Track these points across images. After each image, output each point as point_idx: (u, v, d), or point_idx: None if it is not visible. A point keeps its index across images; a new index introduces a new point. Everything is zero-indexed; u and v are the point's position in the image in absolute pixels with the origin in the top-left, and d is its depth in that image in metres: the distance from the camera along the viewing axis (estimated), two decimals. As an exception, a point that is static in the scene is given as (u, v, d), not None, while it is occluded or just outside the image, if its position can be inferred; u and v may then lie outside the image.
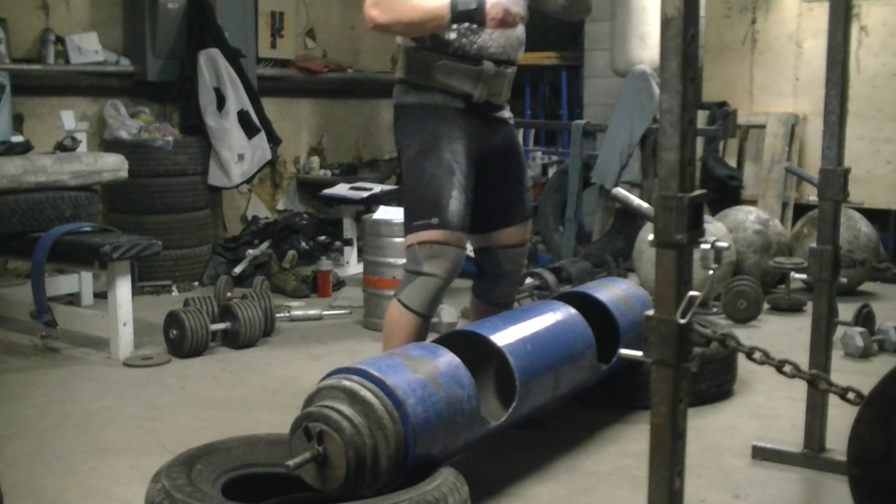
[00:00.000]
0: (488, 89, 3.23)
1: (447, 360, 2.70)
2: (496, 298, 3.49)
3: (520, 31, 3.29)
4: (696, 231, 1.78)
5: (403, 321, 3.13)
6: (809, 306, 3.56)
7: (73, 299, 5.40)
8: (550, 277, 5.11)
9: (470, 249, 3.43)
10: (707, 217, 5.42)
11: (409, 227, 3.20)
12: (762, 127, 7.03)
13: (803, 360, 2.63)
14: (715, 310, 5.27)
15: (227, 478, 2.59)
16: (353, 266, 6.51)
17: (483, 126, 3.27)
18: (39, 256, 4.47)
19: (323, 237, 6.64)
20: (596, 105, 7.40)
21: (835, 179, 3.01)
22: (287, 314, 5.22)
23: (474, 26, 3.12)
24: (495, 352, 2.94)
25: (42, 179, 4.74)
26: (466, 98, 3.21)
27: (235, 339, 4.59)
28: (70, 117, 5.38)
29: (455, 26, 3.11)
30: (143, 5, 6.18)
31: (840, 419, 2.88)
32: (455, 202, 3.13)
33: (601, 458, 3.21)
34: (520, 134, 7.73)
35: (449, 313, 4.85)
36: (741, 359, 3.34)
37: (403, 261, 3.27)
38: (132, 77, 6.30)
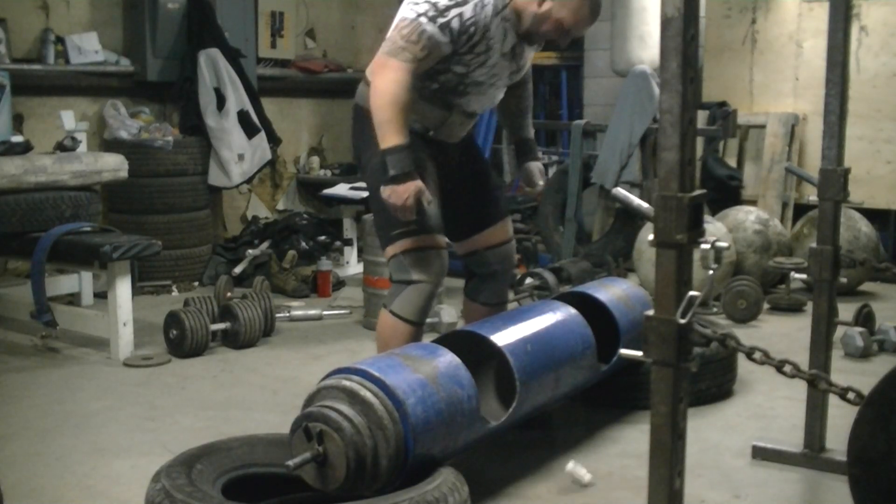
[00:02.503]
0: (448, 133, 3.25)
1: (447, 360, 2.71)
2: (490, 299, 3.48)
3: (500, 93, 3.31)
4: (696, 231, 1.78)
5: (398, 331, 3.10)
6: (809, 306, 3.56)
7: (73, 299, 5.40)
8: (550, 277, 5.11)
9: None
10: (707, 217, 5.42)
11: (387, 237, 3.17)
12: (762, 127, 7.03)
13: (803, 360, 2.63)
14: (715, 310, 5.27)
15: (228, 478, 2.59)
16: (353, 266, 6.51)
17: (441, 144, 3.29)
18: (39, 256, 4.47)
19: (323, 237, 6.64)
20: (596, 105, 7.40)
21: (835, 179, 3.01)
22: (287, 314, 5.22)
23: (460, 88, 3.12)
24: (495, 352, 2.94)
25: (42, 179, 4.74)
26: (424, 130, 3.22)
27: (235, 339, 4.59)
28: (70, 117, 5.38)
29: (441, 79, 3.09)
30: (143, 5, 6.18)
31: (840, 419, 2.89)
32: (430, 205, 3.12)
33: (601, 458, 3.20)
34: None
35: (449, 313, 4.85)
36: (741, 359, 3.35)
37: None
38: (132, 77, 6.30)
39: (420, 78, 3.07)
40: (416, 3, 2.95)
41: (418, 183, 2.98)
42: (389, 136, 2.94)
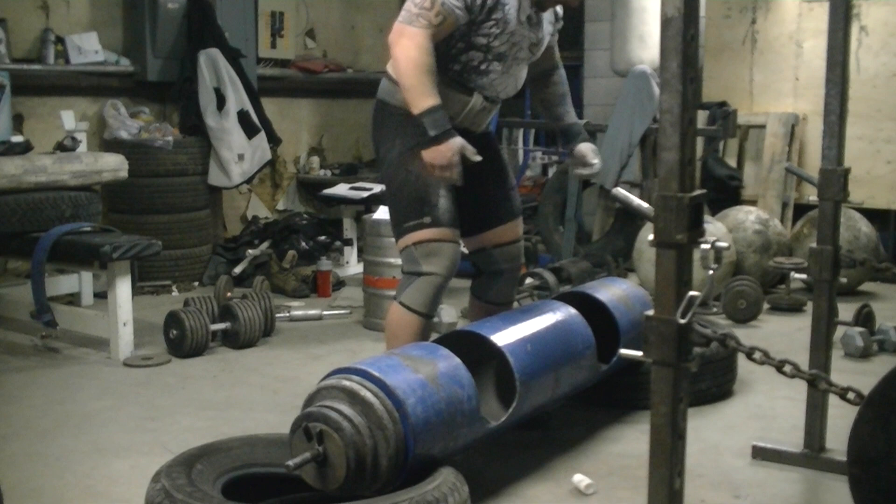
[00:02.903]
0: (470, 120, 3.26)
1: (447, 360, 2.71)
2: (495, 298, 3.49)
3: (522, 73, 3.33)
4: (696, 231, 1.78)
5: (406, 322, 3.12)
6: (809, 306, 3.56)
7: (73, 299, 5.40)
8: (550, 277, 5.11)
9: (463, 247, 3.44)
10: (707, 217, 5.42)
11: (400, 228, 3.19)
12: (762, 127, 7.02)
13: (803, 360, 2.63)
14: (715, 310, 5.27)
15: (228, 478, 2.59)
16: (353, 266, 6.51)
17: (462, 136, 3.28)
18: (39, 256, 4.47)
19: (323, 237, 6.63)
20: (596, 105, 7.40)
21: (835, 179, 3.01)
22: (287, 314, 5.22)
23: (483, 66, 3.14)
24: (495, 352, 2.94)
25: (42, 179, 4.74)
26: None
27: (235, 339, 4.59)
28: (70, 117, 5.38)
29: (462, 59, 3.13)
30: (143, 5, 6.18)
31: (840, 419, 2.89)
32: (444, 199, 3.13)
33: (601, 459, 3.21)
34: (520, 134, 7.76)
35: (449, 313, 4.84)
36: (741, 359, 3.35)
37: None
38: (132, 77, 6.30)
39: (443, 59, 3.09)
40: None
41: (458, 139, 2.97)
42: (421, 99, 2.95)
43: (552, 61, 3.47)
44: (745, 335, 4.20)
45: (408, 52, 2.95)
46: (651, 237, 1.79)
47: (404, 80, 2.97)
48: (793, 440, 3.20)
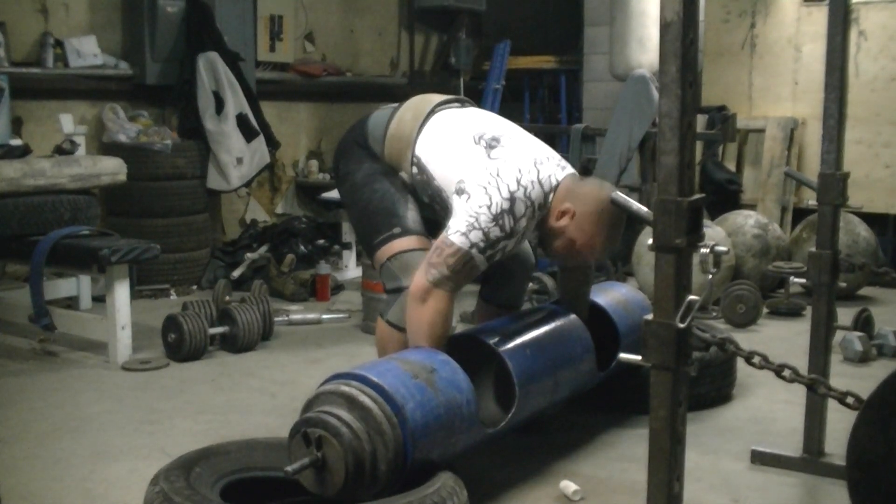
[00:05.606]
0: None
1: (445, 364, 2.70)
2: (506, 301, 3.46)
3: None
4: (695, 235, 1.78)
5: (395, 340, 3.06)
6: (808, 310, 3.56)
7: (71, 303, 5.39)
8: (549, 282, 5.11)
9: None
10: (706, 221, 5.41)
11: (371, 245, 3.15)
12: (761, 131, 7.03)
13: (802, 365, 2.63)
14: (714, 314, 5.27)
15: (226, 481, 2.59)
16: (351, 270, 6.50)
17: None
18: (38, 260, 4.46)
19: (321, 241, 6.63)
20: (595, 109, 7.41)
21: (834, 183, 3.01)
22: (285, 318, 5.22)
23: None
24: (494, 356, 2.94)
25: (41, 183, 4.74)
26: None
27: (234, 343, 4.58)
28: (69, 121, 5.38)
29: (426, 200, 3.16)
30: (142, 8, 6.18)
31: (839, 423, 2.89)
32: (412, 212, 3.12)
33: (600, 463, 3.20)
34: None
35: (448, 317, 4.83)
36: (740, 363, 3.35)
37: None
38: (131, 80, 6.30)
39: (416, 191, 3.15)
40: (469, 231, 2.87)
41: None
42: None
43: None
44: (744, 339, 4.20)
45: (433, 324, 2.87)
46: (650, 241, 1.79)
47: (418, 342, 2.89)
48: (792, 444, 3.20)
